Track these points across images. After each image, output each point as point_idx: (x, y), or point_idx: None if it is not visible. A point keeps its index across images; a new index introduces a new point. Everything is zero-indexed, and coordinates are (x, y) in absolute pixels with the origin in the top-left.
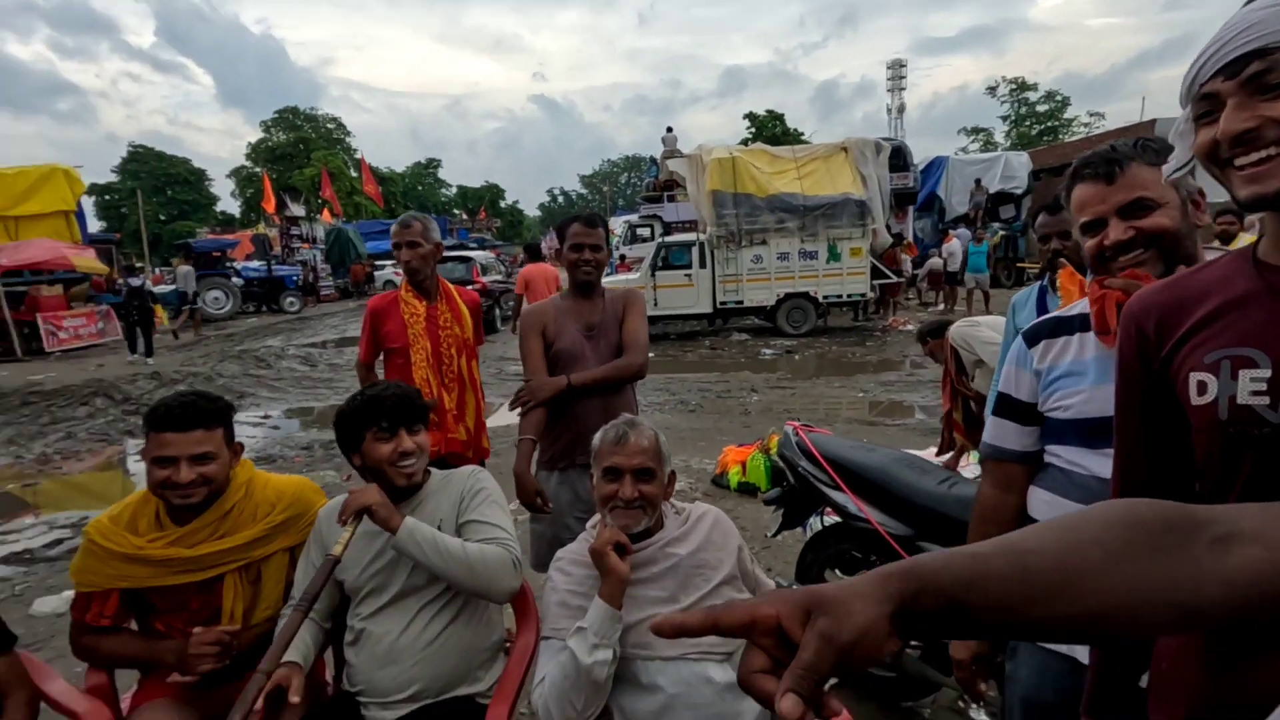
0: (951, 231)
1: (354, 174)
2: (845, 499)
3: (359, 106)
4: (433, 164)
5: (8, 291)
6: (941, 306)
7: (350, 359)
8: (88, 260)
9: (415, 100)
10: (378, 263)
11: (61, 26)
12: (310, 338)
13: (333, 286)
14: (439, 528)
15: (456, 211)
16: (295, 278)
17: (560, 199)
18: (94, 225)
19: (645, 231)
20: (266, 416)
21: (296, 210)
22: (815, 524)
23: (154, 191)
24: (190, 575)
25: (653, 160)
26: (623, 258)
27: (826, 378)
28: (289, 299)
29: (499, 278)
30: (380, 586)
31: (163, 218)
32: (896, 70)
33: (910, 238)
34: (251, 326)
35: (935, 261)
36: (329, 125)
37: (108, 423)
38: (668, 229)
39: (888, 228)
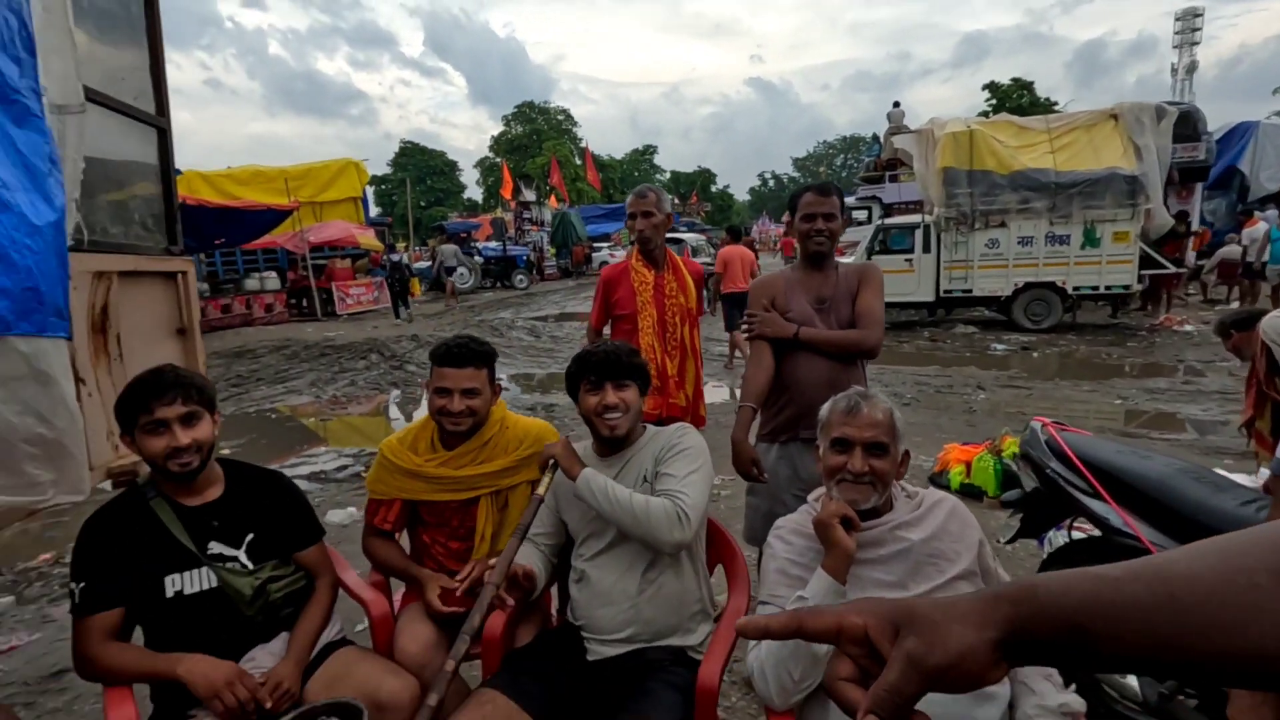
0: (1257, 214)
1: (578, 162)
2: (1107, 510)
3: (585, 98)
4: (649, 150)
5: (312, 264)
6: (1235, 305)
7: (570, 333)
8: (369, 239)
9: (635, 89)
10: (596, 245)
11: (356, 44)
12: (535, 311)
13: (555, 266)
14: (643, 478)
15: (669, 196)
16: (525, 257)
17: (771, 182)
18: (372, 210)
19: (862, 214)
20: (499, 379)
21: (529, 196)
22: (1057, 537)
23: (416, 181)
24: (454, 493)
25: (875, 139)
26: None
27: (1072, 380)
28: (519, 276)
29: (708, 260)
30: (597, 532)
31: (422, 204)
32: (1189, 21)
33: (1198, 222)
34: (488, 300)
35: (1230, 249)
36: (559, 116)
37: (379, 375)
38: (887, 211)
39: (1166, 207)
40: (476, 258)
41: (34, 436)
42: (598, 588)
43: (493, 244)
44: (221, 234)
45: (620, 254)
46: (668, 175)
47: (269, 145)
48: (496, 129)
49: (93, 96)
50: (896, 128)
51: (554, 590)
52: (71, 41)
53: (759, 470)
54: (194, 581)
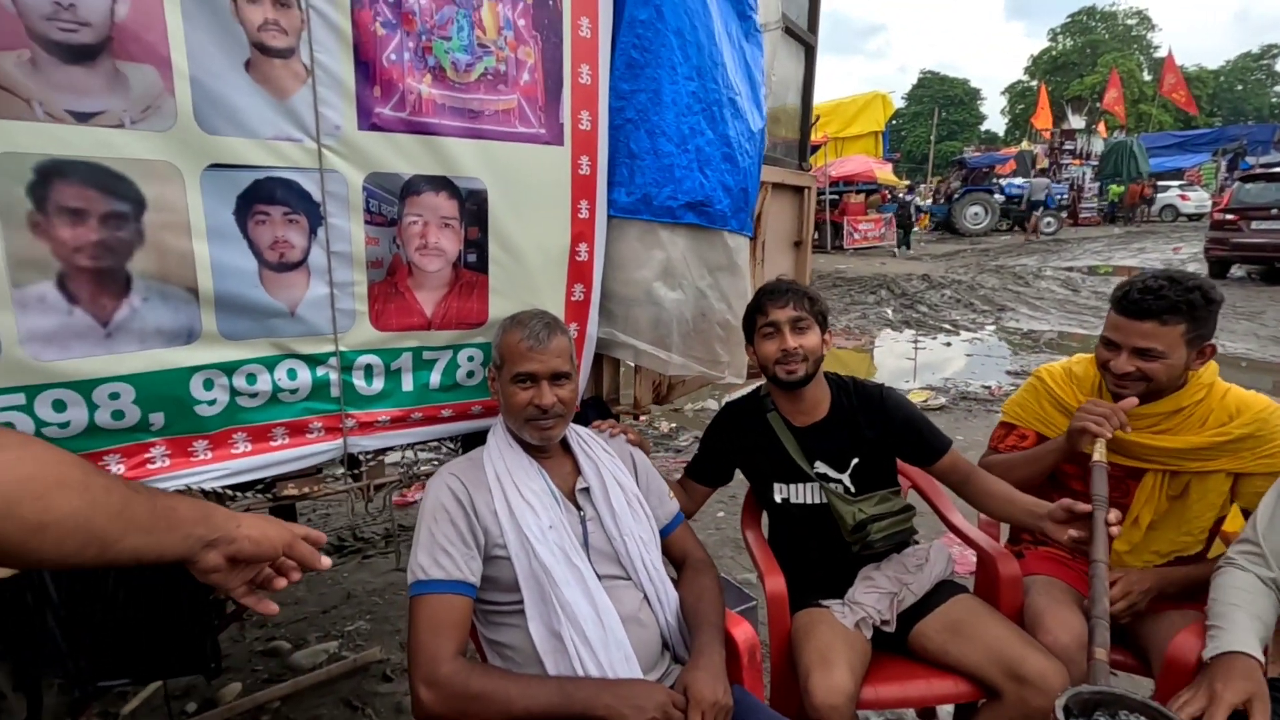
0: None
1: (1146, 77)
2: None
3: None
4: (1270, 52)
5: (829, 199)
6: None
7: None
8: (886, 174)
9: None
10: (1162, 183)
11: None
12: (1068, 261)
13: (1094, 210)
14: None
15: None
16: (1057, 197)
17: None
18: None
19: None
20: (1031, 333)
21: (1076, 123)
22: None
23: (931, 114)
24: (1113, 456)
25: None
26: None
27: None
28: (1046, 219)
29: None
30: None
31: (932, 139)
32: None
33: None
34: (1005, 244)
35: None
36: (1129, 21)
37: (890, 310)
38: None
39: None
40: (997, 196)
41: (724, 320)
42: None
43: (1019, 180)
44: None
45: (1195, 195)
46: None
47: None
48: (1035, 47)
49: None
50: None
51: None
52: None
53: None
54: (800, 494)
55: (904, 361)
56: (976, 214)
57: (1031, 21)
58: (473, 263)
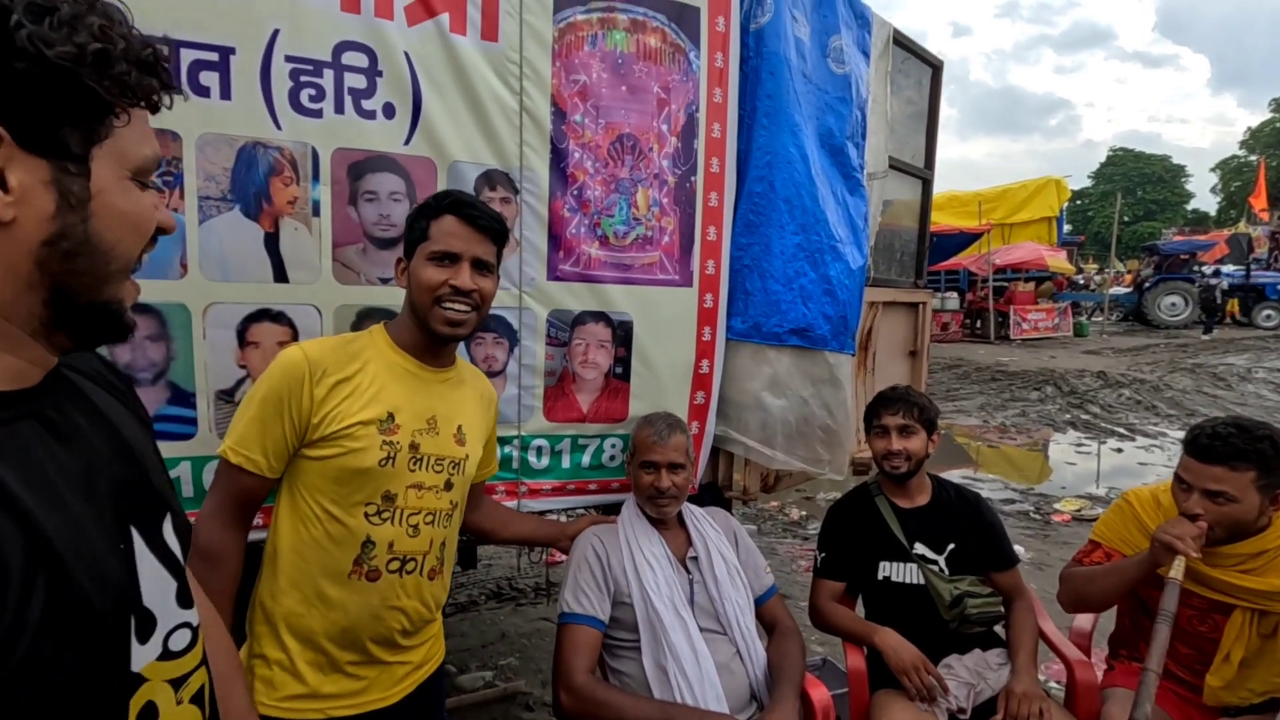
0: None
1: None
2: None
3: None
4: None
5: (995, 286)
6: None
7: None
8: (1059, 261)
9: None
10: None
11: (1063, 48)
12: None
13: None
14: None
15: None
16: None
17: None
18: (1064, 228)
19: None
20: None
21: None
22: None
23: (1124, 193)
24: (1197, 588)
25: None
26: None
27: None
28: (1266, 311)
29: None
30: None
31: (1127, 218)
32: None
33: None
34: (1212, 338)
35: None
36: None
37: (1055, 410)
38: None
39: None
40: (1197, 284)
41: (824, 425)
42: None
43: (1230, 268)
44: None
45: None
46: None
47: (959, 169)
48: (1253, 119)
49: (893, 163)
50: None
51: None
52: (887, 123)
53: None
54: (900, 573)
55: (1069, 466)
56: (1174, 305)
57: (1247, 90)
58: (619, 374)
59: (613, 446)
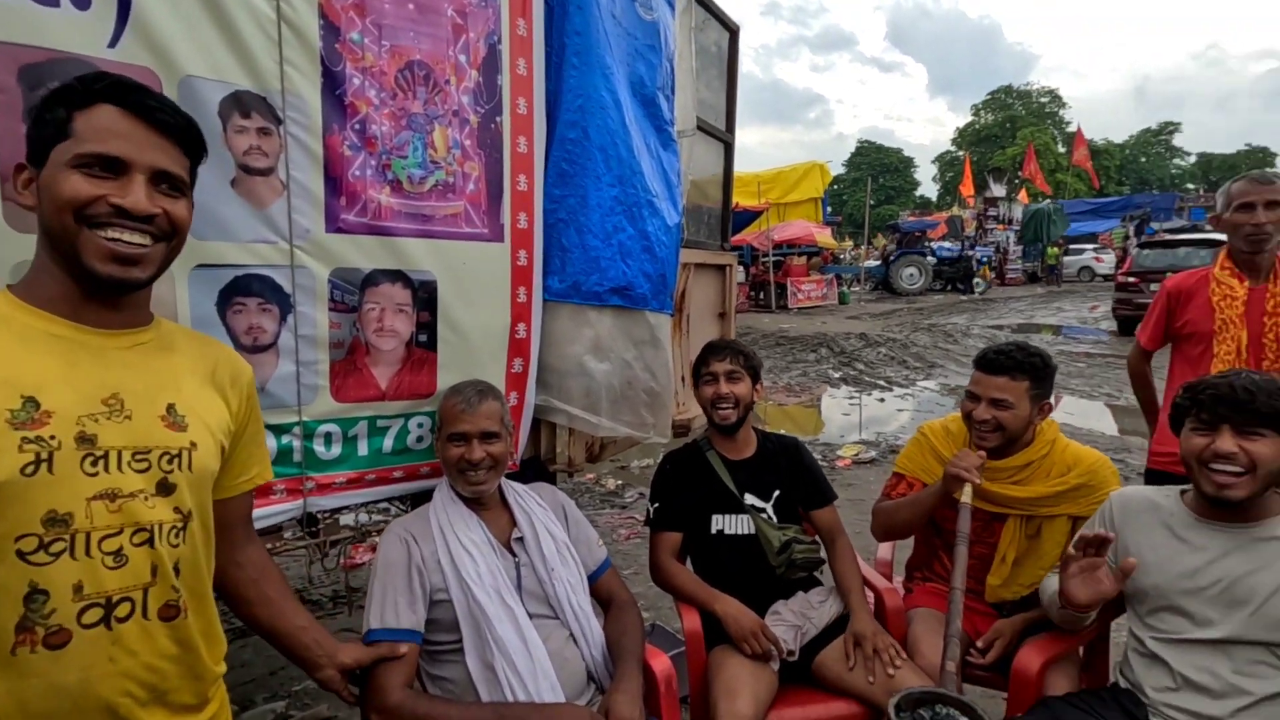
0: None
1: (1061, 149)
2: None
3: (1076, 74)
4: (1166, 129)
5: (774, 260)
6: None
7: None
8: (826, 237)
9: (1146, 54)
10: (1073, 246)
11: (818, 49)
12: (994, 319)
13: (1020, 270)
14: None
15: (1191, 186)
16: (985, 259)
17: None
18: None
19: None
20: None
21: (997, 191)
22: None
23: (871, 179)
24: (980, 503)
25: None
26: None
27: None
28: (976, 280)
29: None
30: (1197, 616)
31: (872, 203)
32: None
33: None
34: (938, 303)
35: None
36: (1041, 100)
37: (830, 368)
38: None
39: None
40: (929, 258)
41: (648, 388)
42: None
43: (947, 244)
44: None
45: (1108, 257)
46: (1193, 159)
47: (738, 154)
48: (959, 120)
49: (699, 124)
50: None
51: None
52: (693, 80)
53: None
54: (733, 525)
55: (844, 417)
56: (912, 275)
57: (955, 97)
58: (423, 342)
59: (419, 426)
